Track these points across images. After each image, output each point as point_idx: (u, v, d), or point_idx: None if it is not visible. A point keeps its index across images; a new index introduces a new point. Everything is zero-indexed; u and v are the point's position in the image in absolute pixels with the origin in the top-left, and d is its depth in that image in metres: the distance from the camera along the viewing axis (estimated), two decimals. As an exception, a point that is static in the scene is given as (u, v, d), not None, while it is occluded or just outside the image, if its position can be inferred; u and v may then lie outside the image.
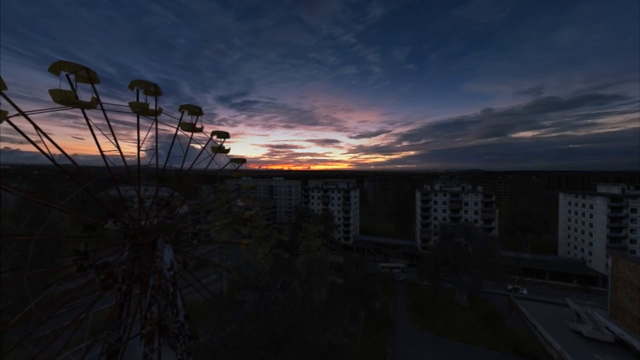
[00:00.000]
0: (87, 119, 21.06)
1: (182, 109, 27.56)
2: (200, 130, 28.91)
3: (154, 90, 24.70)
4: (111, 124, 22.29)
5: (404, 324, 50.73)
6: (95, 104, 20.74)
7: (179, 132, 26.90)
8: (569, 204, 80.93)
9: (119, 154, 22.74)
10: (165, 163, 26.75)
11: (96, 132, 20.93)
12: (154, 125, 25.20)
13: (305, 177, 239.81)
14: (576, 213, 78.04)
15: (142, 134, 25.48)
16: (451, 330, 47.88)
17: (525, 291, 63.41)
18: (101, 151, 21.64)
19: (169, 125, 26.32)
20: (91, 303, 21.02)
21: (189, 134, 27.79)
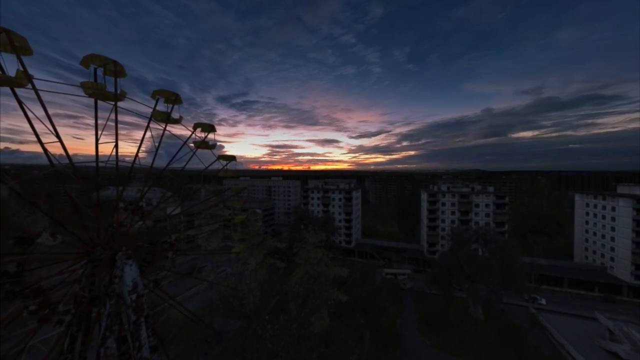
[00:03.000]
0: (19, 101, 16.02)
1: (155, 95, 22.43)
2: (178, 121, 24.01)
3: (113, 69, 19.73)
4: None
5: (414, 340, 45.63)
6: (23, 80, 15.71)
7: (152, 124, 22.12)
8: (587, 205, 75.66)
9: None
10: (134, 160, 21.88)
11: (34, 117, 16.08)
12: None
13: (305, 177, 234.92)
14: (595, 215, 72.81)
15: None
16: (467, 348, 42.83)
17: (543, 301, 58.15)
18: (40, 142, 16.67)
19: (140, 115, 21.51)
20: (28, 333, 16.12)
21: (164, 125, 23.00)
